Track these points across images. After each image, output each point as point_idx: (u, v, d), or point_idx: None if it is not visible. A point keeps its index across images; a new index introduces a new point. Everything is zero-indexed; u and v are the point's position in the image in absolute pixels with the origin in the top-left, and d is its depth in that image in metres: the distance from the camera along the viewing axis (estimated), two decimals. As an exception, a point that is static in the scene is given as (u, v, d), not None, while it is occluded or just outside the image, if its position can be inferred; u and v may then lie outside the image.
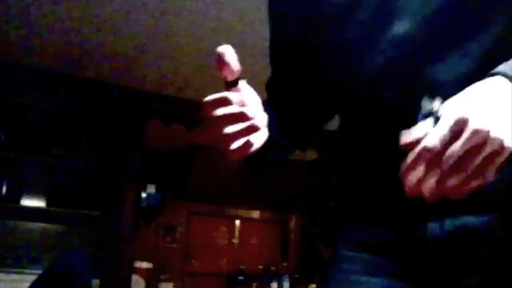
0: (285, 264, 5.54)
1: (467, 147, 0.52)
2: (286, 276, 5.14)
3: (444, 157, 0.52)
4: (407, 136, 0.56)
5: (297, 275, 5.23)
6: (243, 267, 5.60)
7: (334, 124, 1.04)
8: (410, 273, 0.76)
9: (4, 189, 3.90)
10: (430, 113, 0.56)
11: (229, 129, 0.70)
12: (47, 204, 4.06)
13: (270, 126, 0.76)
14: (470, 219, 0.70)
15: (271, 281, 5.21)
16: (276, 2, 0.93)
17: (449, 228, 0.72)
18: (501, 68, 0.57)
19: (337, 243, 0.88)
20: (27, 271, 3.77)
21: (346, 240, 0.86)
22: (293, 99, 0.95)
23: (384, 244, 0.79)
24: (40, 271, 2.73)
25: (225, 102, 0.73)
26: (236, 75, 0.73)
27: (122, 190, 3.84)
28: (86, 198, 4.10)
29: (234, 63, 0.72)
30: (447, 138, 0.53)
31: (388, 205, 0.77)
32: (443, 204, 0.61)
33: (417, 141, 0.54)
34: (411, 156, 0.55)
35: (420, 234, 0.73)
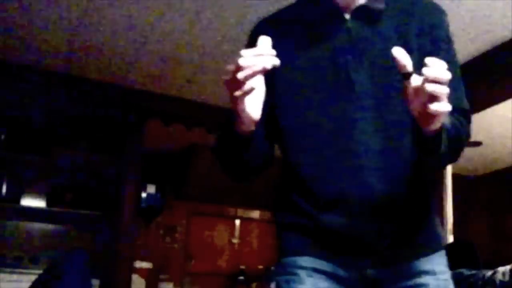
0: (285, 264, 5.54)
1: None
2: (286, 276, 5.14)
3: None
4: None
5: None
6: (243, 267, 5.61)
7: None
8: None
9: (4, 189, 3.90)
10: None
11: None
12: (47, 204, 4.06)
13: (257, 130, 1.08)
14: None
15: (271, 281, 5.21)
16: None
17: (379, 274, 1.13)
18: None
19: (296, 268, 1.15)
20: (27, 271, 3.77)
21: (304, 267, 1.14)
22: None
23: (337, 275, 1.13)
24: (40, 271, 2.73)
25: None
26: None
27: (122, 190, 3.84)
28: (86, 198, 4.10)
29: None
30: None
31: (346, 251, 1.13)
32: (380, 260, 1.11)
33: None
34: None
35: (364, 274, 1.13)
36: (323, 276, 1.13)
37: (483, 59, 3.10)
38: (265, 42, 0.98)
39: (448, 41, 1.20)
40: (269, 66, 0.96)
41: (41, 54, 3.41)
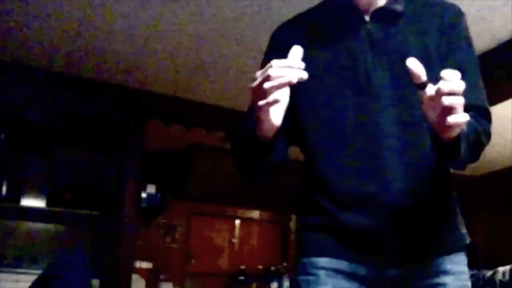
0: (285, 264, 5.54)
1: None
2: (286, 276, 5.14)
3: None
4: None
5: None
6: (243, 267, 5.61)
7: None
8: None
9: (4, 189, 3.90)
10: None
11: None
12: (47, 204, 4.06)
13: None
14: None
15: (271, 281, 5.21)
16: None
17: (399, 274, 1.13)
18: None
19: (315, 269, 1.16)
20: (27, 271, 3.77)
21: (324, 268, 1.14)
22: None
23: (358, 275, 1.13)
24: (40, 271, 2.73)
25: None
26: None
27: (122, 190, 3.84)
28: (86, 198, 4.10)
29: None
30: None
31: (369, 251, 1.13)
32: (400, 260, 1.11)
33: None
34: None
35: (385, 273, 1.13)
36: (343, 277, 1.13)
37: (483, 59, 3.09)
38: (296, 52, 0.98)
39: (467, 40, 1.22)
40: (295, 80, 0.96)
41: (41, 54, 3.41)
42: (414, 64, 0.94)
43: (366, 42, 1.16)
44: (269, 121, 1.01)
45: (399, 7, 1.19)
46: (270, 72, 0.95)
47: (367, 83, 1.14)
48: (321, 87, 1.17)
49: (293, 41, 1.04)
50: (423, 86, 0.94)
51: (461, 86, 0.90)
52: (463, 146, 1.01)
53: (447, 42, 1.18)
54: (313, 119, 1.17)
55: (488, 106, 1.18)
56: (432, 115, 0.95)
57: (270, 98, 0.96)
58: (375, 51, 1.16)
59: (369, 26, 1.17)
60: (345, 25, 1.19)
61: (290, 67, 0.96)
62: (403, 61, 1.12)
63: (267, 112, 1.00)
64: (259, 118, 1.02)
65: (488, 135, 1.15)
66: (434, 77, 1.06)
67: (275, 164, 1.16)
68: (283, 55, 1.02)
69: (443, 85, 0.90)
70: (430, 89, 0.93)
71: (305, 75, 0.96)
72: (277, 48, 1.17)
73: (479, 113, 1.14)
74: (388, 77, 1.14)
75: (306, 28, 1.23)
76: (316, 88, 1.17)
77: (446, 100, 0.90)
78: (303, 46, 1.09)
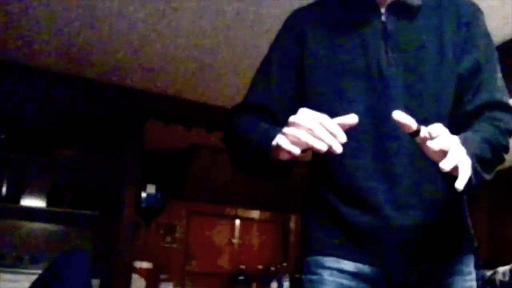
0: (285, 264, 5.54)
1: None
2: (286, 276, 5.14)
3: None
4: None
5: (297, 275, 5.23)
6: (243, 267, 5.60)
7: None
8: None
9: (4, 189, 3.90)
10: None
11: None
12: (47, 204, 4.06)
13: None
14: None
15: (271, 281, 5.21)
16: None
17: (405, 274, 1.11)
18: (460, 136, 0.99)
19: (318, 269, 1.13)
20: (27, 271, 3.77)
21: (328, 268, 1.12)
22: None
23: (362, 275, 1.11)
24: (40, 271, 2.73)
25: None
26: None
27: (122, 190, 3.84)
28: (86, 198, 4.09)
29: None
30: None
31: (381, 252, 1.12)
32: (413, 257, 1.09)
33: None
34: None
35: (390, 273, 1.11)
36: (347, 277, 1.11)
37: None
38: (349, 120, 0.96)
39: (485, 36, 1.20)
40: (325, 149, 0.93)
41: (41, 54, 3.41)
42: (401, 117, 0.92)
43: (379, 35, 1.14)
44: (285, 156, 1.00)
45: (416, 1, 1.17)
46: (315, 128, 0.93)
47: (379, 77, 1.12)
48: (332, 77, 1.14)
49: (306, 27, 1.04)
50: (416, 133, 0.93)
51: (447, 142, 0.92)
52: (478, 170, 1.00)
53: (463, 39, 1.16)
54: (320, 109, 1.10)
55: (508, 101, 1.15)
56: (435, 156, 0.93)
57: (294, 150, 0.95)
58: (388, 45, 1.14)
59: (384, 19, 1.16)
60: (359, 16, 1.17)
61: (334, 136, 0.93)
62: (418, 57, 1.12)
63: (283, 153, 0.99)
64: (277, 149, 0.99)
65: (510, 132, 1.14)
66: (449, 75, 1.04)
67: (283, 176, 1.15)
68: (295, 39, 0.99)
69: (432, 144, 0.91)
70: (424, 132, 0.92)
71: (339, 151, 0.93)
72: (290, 32, 1.18)
73: (499, 109, 1.12)
74: (401, 72, 1.12)
75: (321, 16, 1.21)
76: (327, 78, 1.15)
77: (436, 145, 0.91)
78: (316, 34, 1.08)
